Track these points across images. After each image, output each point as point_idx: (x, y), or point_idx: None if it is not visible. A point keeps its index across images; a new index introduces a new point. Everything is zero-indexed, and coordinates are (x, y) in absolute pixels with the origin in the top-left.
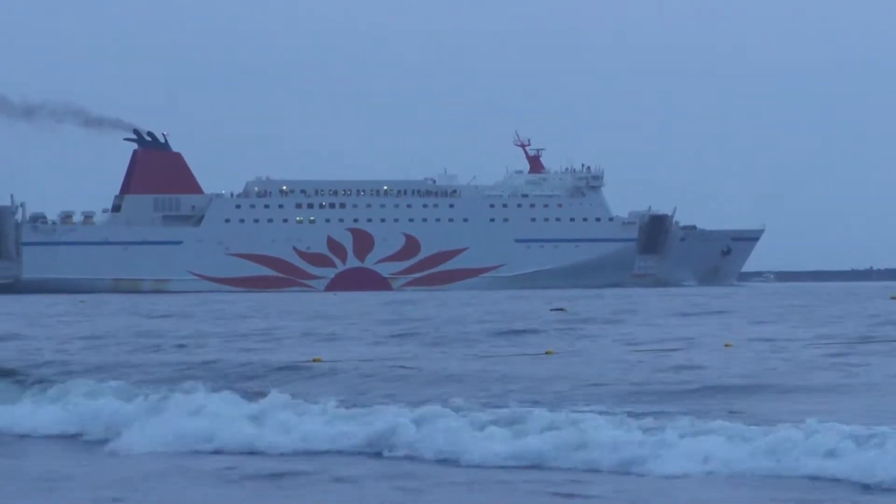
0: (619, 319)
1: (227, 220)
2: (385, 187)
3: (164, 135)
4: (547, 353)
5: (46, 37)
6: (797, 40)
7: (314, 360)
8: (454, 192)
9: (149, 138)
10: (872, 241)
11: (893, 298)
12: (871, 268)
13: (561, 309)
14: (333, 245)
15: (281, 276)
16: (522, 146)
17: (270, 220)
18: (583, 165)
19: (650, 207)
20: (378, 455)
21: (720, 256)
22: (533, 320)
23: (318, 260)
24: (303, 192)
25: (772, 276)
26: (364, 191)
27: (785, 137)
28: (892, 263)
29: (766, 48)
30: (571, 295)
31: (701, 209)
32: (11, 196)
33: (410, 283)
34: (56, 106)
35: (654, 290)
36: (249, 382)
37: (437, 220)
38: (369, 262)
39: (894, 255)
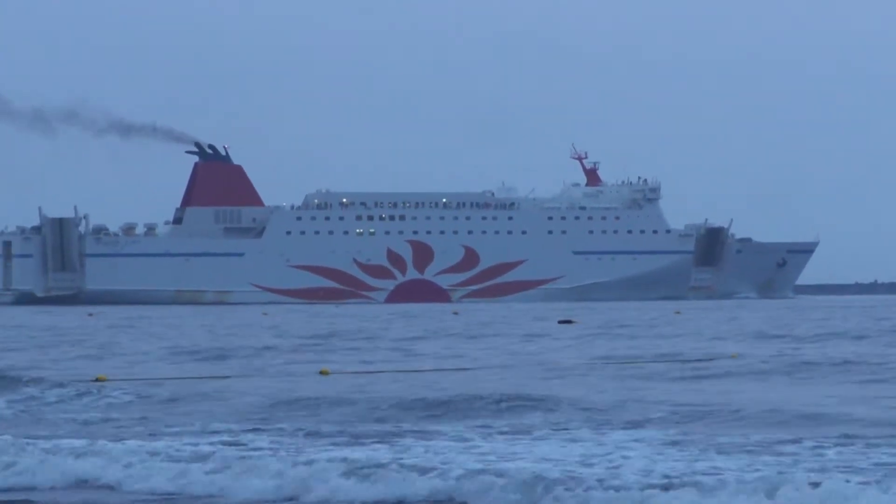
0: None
1: (288, 233)
2: (444, 200)
3: (225, 147)
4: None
5: (114, 51)
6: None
7: (322, 372)
8: (512, 204)
9: (210, 151)
10: (877, 253)
11: None
12: (876, 281)
13: (569, 321)
14: (393, 257)
15: (342, 287)
16: (579, 159)
17: (331, 233)
18: (639, 178)
19: (706, 220)
20: None
21: (776, 269)
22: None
23: (378, 272)
24: (362, 204)
25: None
26: (423, 203)
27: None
28: None
29: (818, 64)
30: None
31: (756, 222)
32: (75, 208)
33: (469, 295)
34: (119, 120)
35: (705, 303)
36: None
37: (496, 232)
38: (429, 274)
39: None
